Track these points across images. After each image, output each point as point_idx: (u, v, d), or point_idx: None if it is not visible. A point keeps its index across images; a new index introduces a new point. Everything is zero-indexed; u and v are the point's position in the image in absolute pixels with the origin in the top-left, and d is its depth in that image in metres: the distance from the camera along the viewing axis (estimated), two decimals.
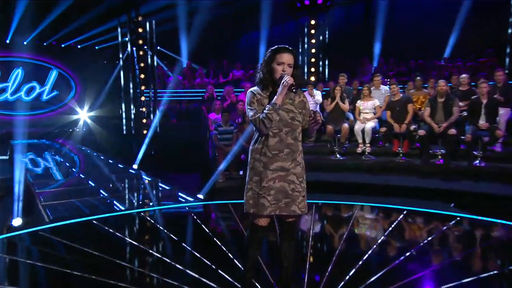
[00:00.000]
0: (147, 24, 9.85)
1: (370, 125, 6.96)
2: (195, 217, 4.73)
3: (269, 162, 2.44)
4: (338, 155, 7.04)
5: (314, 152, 7.32)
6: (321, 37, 10.47)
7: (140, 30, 9.72)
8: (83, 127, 13.49)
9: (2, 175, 7.44)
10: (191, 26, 11.67)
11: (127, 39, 9.78)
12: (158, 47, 11.04)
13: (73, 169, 7.66)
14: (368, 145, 6.91)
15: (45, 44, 13.42)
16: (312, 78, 10.45)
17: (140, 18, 9.70)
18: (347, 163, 6.77)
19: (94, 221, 4.40)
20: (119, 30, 10.16)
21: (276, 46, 2.47)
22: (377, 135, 7.06)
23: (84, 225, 4.31)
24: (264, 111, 2.40)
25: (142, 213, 4.82)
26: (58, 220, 4.46)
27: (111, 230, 4.18)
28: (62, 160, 8.71)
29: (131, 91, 9.79)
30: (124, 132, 9.98)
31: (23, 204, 5.30)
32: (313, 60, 10.58)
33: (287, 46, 2.46)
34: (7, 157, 9.15)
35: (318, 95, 8.03)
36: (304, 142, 2.60)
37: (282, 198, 2.47)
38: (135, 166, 8.47)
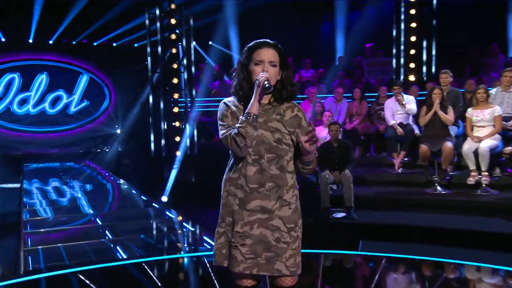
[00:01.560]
0: (182, 16, 9.87)
1: (487, 144, 6.47)
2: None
3: (247, 198, 2.39)
4: (438, 188, 6.78)
5: (402, 182, 7.22)
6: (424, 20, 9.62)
7: (172, 21, 9.63)
8: (117, 146, 13.69)
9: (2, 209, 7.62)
10: (242, 15, 11.67)
11: (158, 36, 9.86)
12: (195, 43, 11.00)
13: (84, 203, 7.72)
14: (486, 173, 6.51)
15: (74, 43, 13.79)
16: (412, 78, 9.46)
17: (173, 6, 9.53)
18: (452, 199, 6.50)
19: (79, 274, 4.40)
20: (147, 22, 10.12)
21: (253, 42, 2.44)
22: (500, 158, 6.70)
23: (64, 279, 4.30)
24: (236, 125, 2.34)
25: (144, 264, 4.73)
26: (34, 272, 4.47)
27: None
28: (75, 190, 8.80)
29: (161, 101, 9.85)
30: (152, 153, 9.93)
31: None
32: (412, 51, 9.49)
33: (267, 40, 2.43)
34: (19, 185, 9.28)
35: (411, 102, 7.63)
36: (298, 173, 2.51)
37: (262, 252, 2.40)
38: (163, 199, 8.42)
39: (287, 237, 2.42)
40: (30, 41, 13.21)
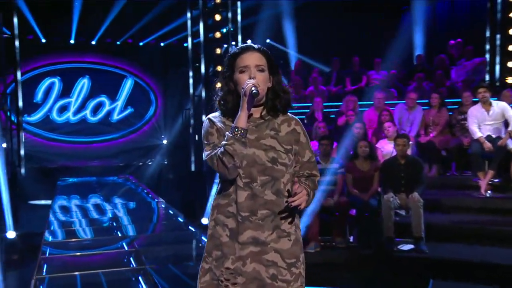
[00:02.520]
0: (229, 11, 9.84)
1: None
2: None
3: (238, 229, 2.38)
4: None
5: (489, 209, 6.82)
6: None
7: (217, 17, 9.58)
8: (161, 159, 13.78)
9: (26, 229, 7.68)
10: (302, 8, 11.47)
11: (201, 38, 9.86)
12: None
13: (113, 225, 7.74)
14: None
15: (118, 43, 13.98)
16: (511, 80, 9.11)
17: (218, 0, 9.52)
18: None
19: None
20: (188, 15, 10.17)
21: (235, 49, 2.47)
22: None
23: None
24: (222, 143, 2.34)
25: None
26: None
27: None
28: (106, 209, 8.87)
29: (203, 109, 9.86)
30: (193, 168, 9.92)
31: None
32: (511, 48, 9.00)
33: (251, 45, 2.45)
34: (50, 202, 9.52)
35: (507, 111, 7.19)
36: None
37: None
38: (204, 221, 8.37)
39: (286, 275, 2.38)
40: (72, 41, 13.60)
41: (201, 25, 10.02)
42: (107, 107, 14.07)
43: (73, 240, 6.90)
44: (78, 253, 6.27)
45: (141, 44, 14.19)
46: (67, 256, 6.08)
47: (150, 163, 13.43)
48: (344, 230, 6.49)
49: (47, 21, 12.79)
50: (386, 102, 8.45)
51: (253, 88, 2.29)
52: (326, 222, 6.55)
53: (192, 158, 10.12)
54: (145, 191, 10.59)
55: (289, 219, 2.42)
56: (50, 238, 6.80)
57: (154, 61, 14.16)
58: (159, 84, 14.37)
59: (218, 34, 9.72)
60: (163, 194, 10.23)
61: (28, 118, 13.35)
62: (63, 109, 13.81)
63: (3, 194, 8.40)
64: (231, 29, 9.99)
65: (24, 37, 13.04)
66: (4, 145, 11.95)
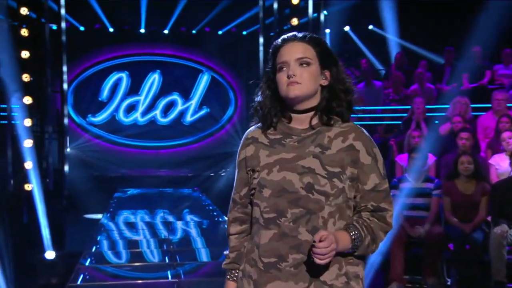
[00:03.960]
0: None
1: None
2: None
3: (260, 280, 2.31)
4: None
5: None
6: None
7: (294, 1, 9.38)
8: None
9: (72, 248, 8.02)
10: None
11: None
12: None
13: (162, 249, 7.74)
14: None
15: (193, 31, 13.98)
16: None
17: None
18: None
19: None
20: (260, 3, 10.11)
21: (275, 41, 2.39)
22: None
23: None
24: (224, 261, 2.50)
25: None
26: None
27: None
28: (159, 229, 8.90)
29: None
30: None
31: None
32: None
33: (293, 34, 2.35)
34: (101, 216, 9.71)
35: None
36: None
37: None
38: None
39: None
40: (142, 30, 13.78)
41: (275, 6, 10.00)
42: (179, 107, 14.07)
43: (112, 264, 6.94)
44: (113, 282, 6.31)
45: (220, 32, 14.14)
46: (98, 285, 6.11)
47: (223, 174, 13.32)
48: (438, 269, 6.19)
49: (115, 8, 13.09)
50: (508, 105, 7.97)
51: None
52: (414, 257, 6.31)
53: None
54: (211, 208, 10.59)
55: (335, 265, 2.25)
56: (88, 261, 6.82)
57: (235, 52, 14.10)
58: (239, 80, 14.30)
59: (295, 21, 9.47)
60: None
61: (92, 119, 13.75)
62: (131, 108, 13.98)
63: (38, 208, 8.55)
64: (312, 16, 9.81)
65: (90, 26, 13.72)
66: (67, 149, 12.49)
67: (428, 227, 6.15)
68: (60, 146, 11.01)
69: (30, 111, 9.48)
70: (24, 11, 9.35)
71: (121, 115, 13.91)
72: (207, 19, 13.60)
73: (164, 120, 14.03)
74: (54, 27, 11.09)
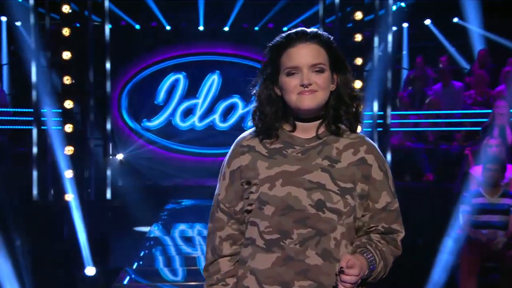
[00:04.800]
0: None
1: None
2: None
3: None
4: None
5: None
6: None
7: None
8: None
9: (117, 263, 8.10)
10: None
11: None
12: None
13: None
14: None
15: (256, 28, 13.96)
16: None
17: None
18: None
19: None
20: None
21: (278, 37, 2.32)
22: None
23: None
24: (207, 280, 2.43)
25: None
26: None
27: None
28: (202, 246, 8.84)
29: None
30: None
31: None
32: None
33: (303, 30, 2.28)
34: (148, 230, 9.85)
35: None
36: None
37: None
38: None
39: None
40: (201, 28, 13.83)
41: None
42: (240, 111, 14.06)
43: (156, 282, 7.00)
44: None
45: (285, 29, 13.70)
46: None
47: None
48: None
49: (172, 5, 13.30)
50: None
51: None
52: (489, 282, 6.36)
53: None
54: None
55: None
56: (124, 280, 6.93)
57: None
58: None
59: (359, 15, 9.39)
60: None
61: (148, 124, 13.96)
62: (188, 112, 14.09)
63: (78, 220, 8.65)
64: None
65: (146, 24, 13.96)
66: (120, 156, 12.69)
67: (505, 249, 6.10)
68: (105, 153, 11.17)
69: (71, 116, 9.62)
70: (66, 8, 9.49)
71: (177, 120, 14.04)
72: (270, 14, 13.54)
73: (223, 125, 14.05)
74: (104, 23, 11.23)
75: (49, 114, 9.56)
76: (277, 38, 2.30)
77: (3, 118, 11.11)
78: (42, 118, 9.72)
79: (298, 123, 2.29)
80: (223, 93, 14.03)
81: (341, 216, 2.22)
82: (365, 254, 2.17)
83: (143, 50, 14.08)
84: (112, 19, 12.44)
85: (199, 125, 14.09)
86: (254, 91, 2.38)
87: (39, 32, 9.95)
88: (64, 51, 9.42)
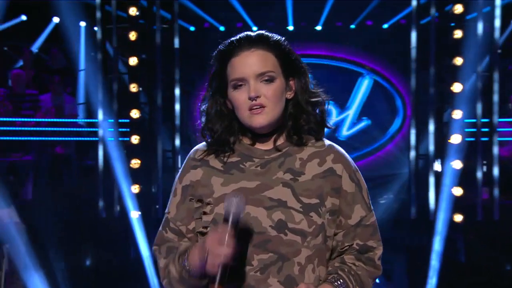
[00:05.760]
0: None
1: None
2: None
3: None
4: None
5: None
6: None
7: None
8: (402, 195, 12.94)
9: None
10: None
11: None
12: None
13: None
14: None
15: (352, 26, 13.27)
16: None
17: None
18: None
19: None
20: None
21: (222, 44, 2.35)
22: None
23: None
24: (171, 269, 2.28)
25: None
26: None
27: None
28: None
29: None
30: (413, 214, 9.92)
31: None
32: None
33: (247, 35, 2.31)
34: None
35: None
36: None
37: None
38: None
39: None
40: (290, 28, 13.34)
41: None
42: (334, 118, 13.29)
43: None
44: None
45: (385, 26, 13.34)
46: None
47: (382, 201, 12.68)
48: None
49: (258, 3, 12.94)
50: None
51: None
52: None
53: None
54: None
55: None
56: None
57: (404, 50, 12.91)
58: (408, 84, 13.14)
59: (459, 8, 8.87)
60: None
61: None
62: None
63: (142, 240, 8.51)
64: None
65: (231, 26, 13.53)
66: None
67: None
68: (174, 166, 10.72)
69: (138, 126, 9.37)
70: (133, 11, 9.17)
71: None
72: (368, 10, 12.89)
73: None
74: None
75: (115, 124, 9.44)
76: (220, 46, 2.30)
77: (69, 129, 10.93)
78: (109, 129, 9.53)
79: (256, 135, 2.27)
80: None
81: (306, 237, 2.21)
82: (335, 283, 2.16)
83: None
84: (194, 21, 12.94)
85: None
86: (203, 107, 2.36)
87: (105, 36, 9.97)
88: (130, 56, 9.21)
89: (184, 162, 2.36)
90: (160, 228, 2.35)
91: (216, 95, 2.30)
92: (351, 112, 13.53)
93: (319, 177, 2.25)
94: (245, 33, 2.28)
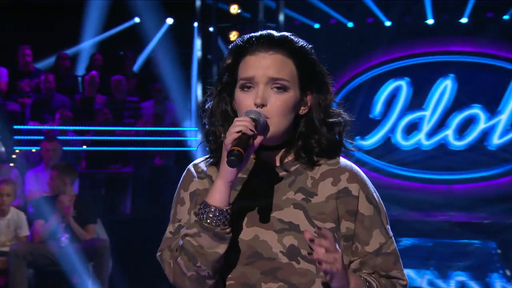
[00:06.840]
0: None
1: None
2: None
3: None
4: None
5: None
6: None
7: None
8: None
9: None
10: None
11: None
12: None
13: None
14: None
15: (506, 17, 12.51)
16: None
17: None
18: None
19: None
20: None
21: (240, 38, 2.09)
22: None
23: None
24: (181, 231, 2.03)
25: None
26: None
27: None
28: None
29: None
30: None
31: None
32: None
33: (269, 33, 2.01)
34: None
35: None
36: None
37: None
38: None
39: None
40: (430, 21, 12.49)
41: None
42: (481, 125, 12.76)
43: None
44: None
45: None
46: None
47: None
48: None
49: None
50: None
51: (234, 149, 1.80)
52: None
53: None
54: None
55: None
56: None
57: None
58: None
59: None
60: None
61: (362, 142, 12.75)
62: (412, 127, 13.01)
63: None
64: None
65: (361, 21, 13.13)
66: None
67: None
68: None
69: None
70: (234, 9, 9.23)
71: (398, 137, 13.04)
72: None
73: (459, 144, 12.85)
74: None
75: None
76: (238, 40, 2.09)
77: (167, 138, 10.55)
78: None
79: (262, 147, 1.98)
80: (458, 102, 12.86)
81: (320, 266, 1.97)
82: (363, 280, 1.96)
83: (355, 53, 13.29)
84: (320, 17, 12.47)
85: (426, 143, 12.99)
86: (208, 105, 2.14)
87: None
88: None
89: (184, 175, 2.11)
90: (168, 235, 2.04)
91: (223, 92, 2.03)
92: (504, 117, 12.68)
93: (333, 198, 1.97)
94: (268, 31, 1.99)
